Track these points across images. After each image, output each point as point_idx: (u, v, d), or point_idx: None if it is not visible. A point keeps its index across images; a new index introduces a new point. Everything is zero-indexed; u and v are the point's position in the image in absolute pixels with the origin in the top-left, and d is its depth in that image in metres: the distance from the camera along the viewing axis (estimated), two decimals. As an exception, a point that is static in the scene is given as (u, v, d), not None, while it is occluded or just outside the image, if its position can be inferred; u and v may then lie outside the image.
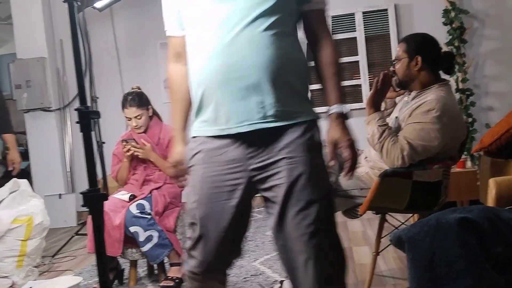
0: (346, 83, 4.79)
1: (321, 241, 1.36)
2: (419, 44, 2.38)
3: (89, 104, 1.28)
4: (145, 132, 3.05)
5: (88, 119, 1.23)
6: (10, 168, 3.28)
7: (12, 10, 5.07)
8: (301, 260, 1.36)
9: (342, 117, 1.42)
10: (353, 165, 1.42)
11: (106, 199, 1.29)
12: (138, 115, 2.97)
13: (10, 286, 3.09)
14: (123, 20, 5.17)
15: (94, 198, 1.24)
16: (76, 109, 1.24)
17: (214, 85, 1.38)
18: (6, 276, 3.20)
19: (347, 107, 1.44)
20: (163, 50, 4.99)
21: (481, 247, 1.15)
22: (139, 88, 3.10)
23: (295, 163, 1.38)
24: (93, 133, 1.27)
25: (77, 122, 1.23)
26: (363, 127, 2.63)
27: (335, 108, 1.42)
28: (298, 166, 1.38)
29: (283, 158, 1.38)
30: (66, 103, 5.19)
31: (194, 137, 1.50)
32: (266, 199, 1.45)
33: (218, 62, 1.36)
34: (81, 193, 1.25)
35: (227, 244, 1.46)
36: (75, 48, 1.26)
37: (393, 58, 2.49)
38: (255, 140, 1.40)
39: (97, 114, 1.26)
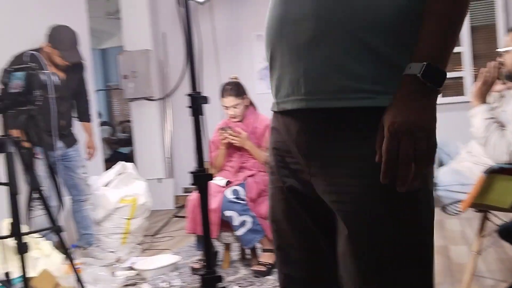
0: (447, 75, 4.59)
1: None
2: (533, 33, 2.22)
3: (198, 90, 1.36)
4: (241, 121, 3.15)
5: (198, 104, 1.31)
6: (86, 155, 3.57)
7: (121, 5, 5.45)
8: None
9: (416, 85, 0.84)
10: (388, 170, 0.84)
11: (212, 179, 1.37)
12: (235, 104, 3.08)
13: (116, 261, 3.36)
14: (221, 12, 5.35)
15: (202, 177, 1.32)
16: (188, 95, 1.33)
17: (269, 43, 1.03)
18: (112, 252, 3.48)
19: (435, 70, 0.83)
20: (259, 42, 5.10)
21: None
22: (236, 78, 3.20)
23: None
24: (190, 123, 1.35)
25: (189, 107, 1.32)
26: (465, 121, 2.51)
27: (409, 69, 0.85)
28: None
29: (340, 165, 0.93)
30: (167, 93, 5.50)
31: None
32: None
33: (277, 12, 1.00)
34: (191, 172, 1.34)
35: None
36: (188, 38, 1.35)
37: (501, 48, 2.34)
38: (306, 124, 0.97)
39: (205, 100, 1.34)
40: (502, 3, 4.42)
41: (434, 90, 0.84)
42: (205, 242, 1.36)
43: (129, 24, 5.41)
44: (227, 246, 3.08)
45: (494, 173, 2.15)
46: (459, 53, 4.57)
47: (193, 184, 1.32)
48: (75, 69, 3.34)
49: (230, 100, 3.07)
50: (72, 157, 3.40)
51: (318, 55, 0.92)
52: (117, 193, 3.60)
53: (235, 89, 3.09)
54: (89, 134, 3.58)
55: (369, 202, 0.89)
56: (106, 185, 3.68)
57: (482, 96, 2.27)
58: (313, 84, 0.93)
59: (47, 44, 3.15)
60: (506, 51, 2.29)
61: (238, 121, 3.15)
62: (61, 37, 3.15)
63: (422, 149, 0.82)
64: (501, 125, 2.21)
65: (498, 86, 2.44)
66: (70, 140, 3.40)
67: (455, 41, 0.87)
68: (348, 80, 0.90)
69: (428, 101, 0.84)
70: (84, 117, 3.57)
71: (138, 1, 5.35)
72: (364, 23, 0.89)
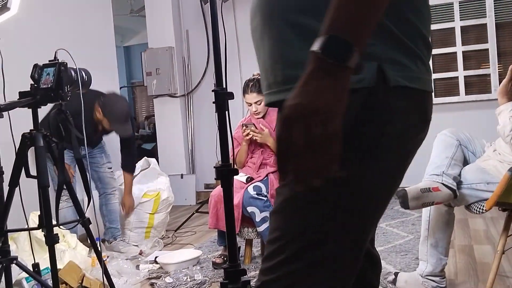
0: (472, 72, 4.53)
1: None
2: None
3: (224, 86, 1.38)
4: (263, 117, 3.17)
5: (223, 99, 1.33)
6: (123, 212, 3.59)
7: (145, 3, 5.52)
8: None
9: (317, 62, 0.70)
10: (282, 164, 0.72)
11: (237, 174, 1.38)
12: (258, 101, 3.09)
13: (139, 254, 3.41)
14: (243, 9, 5.37)
15: (226, 172, 1.34)
16: (213, 90, 1.35)
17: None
18: (136, 245, 3.54)
19: (339, 43, 0.69)
20: (281, 39, 5.09)
21: None
22: (259, 75, 3.21)
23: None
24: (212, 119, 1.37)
25: (214, 102, 1.34)
26: (491, 119, 2.48)
27: (315, 44, 0.70)
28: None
29: None
30: (190, 89, 5.55)
31: None
32: None
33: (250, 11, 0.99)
34: (215, 167, 1.36)
35: None
36: (214, 35, 1.37)
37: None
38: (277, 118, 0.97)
39: (231, 96, 1.36)
40: (530, -1, 4.34)
41: (339, 66, 0.69)
42: (229, 235, 1.38)
43: (153, 21, 5.48)
44: (249, 242, 3.10)
45: (520, 172, 2.12)
46: (485, 50, 4.49)
47: (217, 179, 1.34)
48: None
49: (253, 97, 3.09)
50: (96, 155, 3.47)
51: (266, 49, 0.89)
52: (141, 188, 3.66)
53: (258, 85, 3.10)
54: (127, 187, 3.54)
55: (283, 195, 0.85)
56: (130, 180, 3.74)
57: (508, 94, 2.24)
58: (267, 78, 0.91)
59: (98, 109, 3.20)
60: None
61: (260, 118, 3.17)
62: (114, 109, 3.17)
63: (316, 137, 0.68)
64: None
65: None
66: (94, 141, 3.46)
67: (367, 8, 0.70)
68: (291, 69, 0.84)
69: (331, 80, 0.69)
70: (127, 167, 3.56)
71: (162, -1, 5.41)
72: (297, 6, 0.83)
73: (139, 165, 3.81)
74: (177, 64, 5.41)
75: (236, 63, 5.38)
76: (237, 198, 2.92)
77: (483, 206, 2.23)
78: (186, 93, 5.53)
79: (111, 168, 3.54)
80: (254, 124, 3.10)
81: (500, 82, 4.36)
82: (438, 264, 2.35)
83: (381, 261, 2.84)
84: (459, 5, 4.51)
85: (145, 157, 3.89)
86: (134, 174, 3.72)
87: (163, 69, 5.32)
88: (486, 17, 4.48)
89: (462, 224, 3.69)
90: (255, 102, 3.10)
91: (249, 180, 3.05)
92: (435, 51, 4.61)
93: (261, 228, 2.88)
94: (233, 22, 5.38)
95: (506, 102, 2.22)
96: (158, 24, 5.44)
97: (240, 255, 3.21)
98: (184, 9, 5.52)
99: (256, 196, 2.91)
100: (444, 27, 4.58)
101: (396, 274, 2.51)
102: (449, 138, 2.39)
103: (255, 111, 3.13)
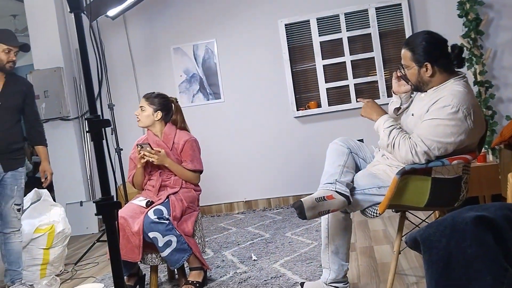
0: (361, 80, 4.77)
1: None
2: (425, 51, 2.28)
3: (105, 112, 1.28)
4: (161, 136, 3.07)
5: (99, 128, 1.23)
6: (42, 180, 3.32)
7: (28, 22, 5.16)
8: None
9: None
10: None
11: (120, 207, 1.29)
12: (142, 106, 3.03)
13: (34, 293, 3.13)
14: (135, 27, 5.22)
15: (107, 207, 1.24)
16: (86, 119, 1.25)
17: None
18: (31, 285, 3.25)
19: None
20: (177, 55, 5.01)
21: (499, 245, 1.11)
22: (176, 100, 3.17)
23: None
24: (109, 140, 1.28)
25: (88, 132, 1.24)
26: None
27: None
28: None
29: None
30: (84, 111, 5.26)
31: None
32: None
33: None
34: (94, 201, 1.25)
35: None
36: (84, 58, 1.26)
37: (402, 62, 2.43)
38: None
39: (107, 123, 1.26)
40: (408, 9, 4.66)
41: None
42: (114, 276, 1.28)
43: (38, 41, 5.13)
44: (154, 268, 2.96)
45: (407, 174, 2.23)
46: (372, 58, 4.75)
47: (97, 214, 1.23)
48: (17, 82, 3.18)
49: (141, 101, 3.07)
50: (7, 182, 3.12)
51: None
52: (32, 222, 3.37)
53: (152, 96, 3.06)
54: (43, 158, 3.31)
55: None
56: (19, 215, 3.43)
57: (377, 110, 2.38)
58: None
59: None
60: (407, 68, 2.36)
61: (156, 137, 3.07)
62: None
63: None
64: (411, 128, 2.31)
65: (406, 87, 2.52)
66: (10, 163, 3.13)
67: None
68: None
69: None
70: (37, 140, 3.32)
71: (47, 17, 5.09)
72: None
73: (29, 198, 3.51)
74: (67, 85, 5.11)
75: (132, 82, 5.21)
76: (137, 224, 2.78)
77: (377, 209, 2.32)
78: (79, 115, 5.23)
79: (19, 207, 3.15)
80: (149, 144, 2.98)
81: (387, 88, 4.62)
82: (340, 270, 2.41)
83: (288, 272, 2.84)
84: (345, 17, 4.74)
85: (35, 189, 3.60)
86: (24, 209, 3.41)
87: (52, 91, 4.99)
88: (370, 27, 4.74)
89: (363, 226, 3.83)
90: (140, 107, 3.04)
91: (149, 204, 2.93)
92: (325, 62, 4.79)
93: (165, 253, 2.76)
94: (125, 40, 5.21)
95: (378, 117, 2.35)
96: (44, 43, 5.11)
97: (146, 282, 3.06)
98: (72, 27, 5.23)
99: (157, 220, 2.78)
100: (332, 38, 4.78)
101: (302, 284, 2.53)
102: (340, 147, 2.46)
103: (136, 115, 3.06)
